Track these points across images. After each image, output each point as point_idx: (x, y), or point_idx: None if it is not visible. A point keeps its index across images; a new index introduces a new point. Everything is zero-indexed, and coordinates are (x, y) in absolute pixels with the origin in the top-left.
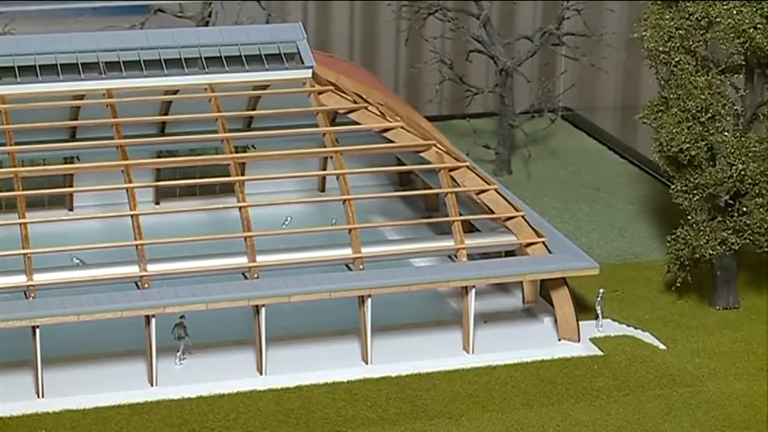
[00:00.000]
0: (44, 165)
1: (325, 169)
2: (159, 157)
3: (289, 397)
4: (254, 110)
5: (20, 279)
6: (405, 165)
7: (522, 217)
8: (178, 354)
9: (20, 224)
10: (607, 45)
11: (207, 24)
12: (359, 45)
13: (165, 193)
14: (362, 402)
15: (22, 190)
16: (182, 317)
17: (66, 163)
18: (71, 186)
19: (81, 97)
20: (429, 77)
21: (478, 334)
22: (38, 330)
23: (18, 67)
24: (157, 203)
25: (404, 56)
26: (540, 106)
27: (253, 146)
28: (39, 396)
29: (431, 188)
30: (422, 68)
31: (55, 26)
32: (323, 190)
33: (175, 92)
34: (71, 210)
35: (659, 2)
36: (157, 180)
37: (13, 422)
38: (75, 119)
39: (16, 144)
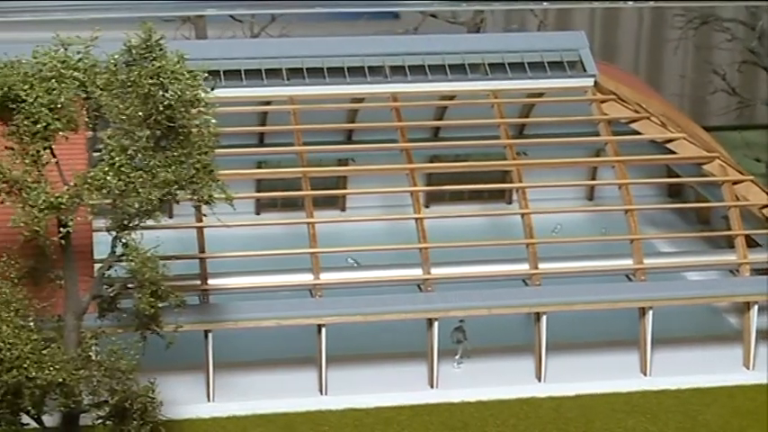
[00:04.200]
0: (321, 165)
1: (594, 178)
2: (432, 161)
3: (568, 405)
4: (527, 116)
5: (306, 277)
6: (677, 175)
7: None
8: (456, 357)
9: (308, 223)
10: None
11: (478, 31)
12: (599, 51)
13: (434, 197)
14: (642, 414)
15: (310, 190)
16: (461, 321)
17: (339, 164)
18: (344, 187)
19: (361, 99)
20: (684, 87)
21: (759, 350)
22: (323, 329)
23: (306, 68)
24: (427, 206)
25: (643, 63)
26: None
27: (525, 152)
28: (322, 393)
29: (706, 200)
30: (686, 79)
31: (326, 30)
32: (591, 198)
33: (452, 97)
34: (343, 210)
35: None
36: (429, 184)
37: (298, 418)
38: (353, 121)
39: (304, 144)
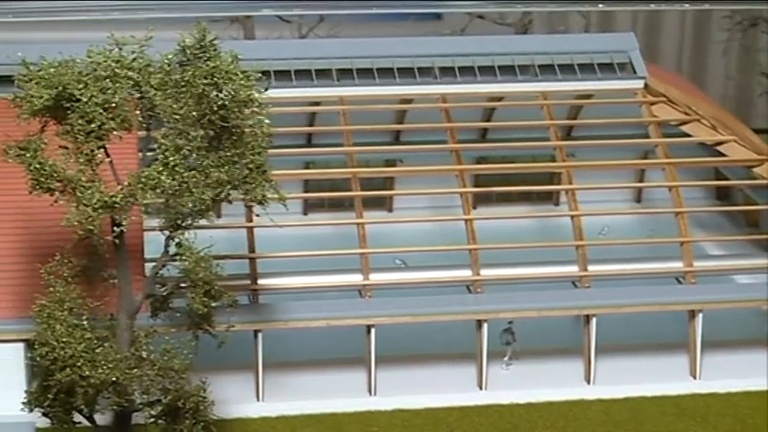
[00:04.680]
0: (368, 166)
1: (642, 180)
2: (479, 162)
3: (617, 408)
4: (575, 118)
5: (356, 278)
6: (725, 177)
7: None
8: (505, 359)
9: (357, 224)
10: None
11: (526, 32)
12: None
13: (480, 198)
14: (692, 418)
15: (360, 190)
16: (510, 322)
17: (387, 165)
18: (391, 188)
19: (410, 100)
20: (728, 88)
21: None
22: (373, 329)
23: (356, 69)
24: (474, 208)
25: (686, 65)
26: None
27: (573, 154)
28: (371, 394)
29: (755, 202)
30: (731, 81)
31: (373, 30)
32: (638, 201)
33: (501, 98)
34: (390, 211)
35: None
36: (475, 185)
37: (347, 418)
38: (402, 121)
39: (353, 145)
